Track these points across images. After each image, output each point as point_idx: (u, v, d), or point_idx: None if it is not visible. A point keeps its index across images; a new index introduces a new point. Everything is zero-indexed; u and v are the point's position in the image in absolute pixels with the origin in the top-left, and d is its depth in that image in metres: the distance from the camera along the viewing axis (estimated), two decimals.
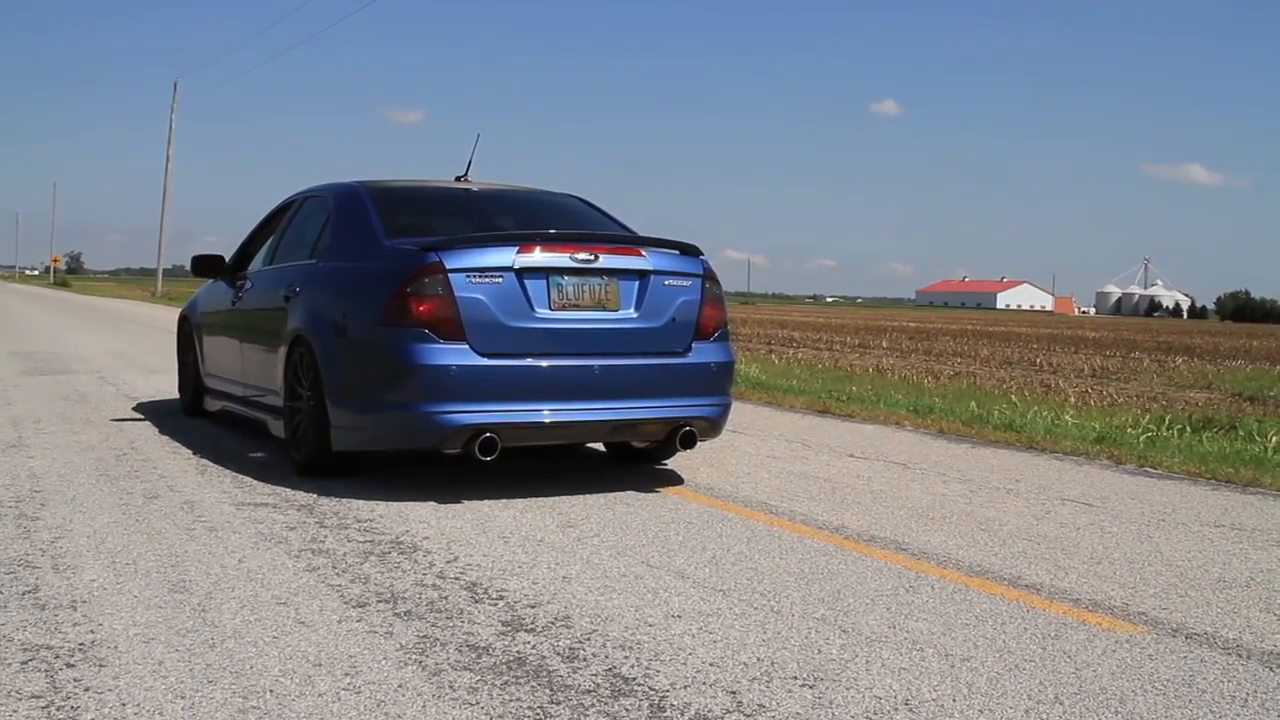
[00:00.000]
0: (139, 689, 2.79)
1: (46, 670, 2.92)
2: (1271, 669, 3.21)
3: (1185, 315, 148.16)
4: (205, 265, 7.90)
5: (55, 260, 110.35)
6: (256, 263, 7.41)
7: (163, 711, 2.66)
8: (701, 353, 5.61)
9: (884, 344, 25.22)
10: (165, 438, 7.09)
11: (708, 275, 5.75)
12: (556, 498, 5.36)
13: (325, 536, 4.48)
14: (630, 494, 5.52)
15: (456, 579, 3.90)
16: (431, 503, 5.17)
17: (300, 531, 4.55)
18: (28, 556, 4.06)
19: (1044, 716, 2.79)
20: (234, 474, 5.84)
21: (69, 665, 2.96)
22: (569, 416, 5.24)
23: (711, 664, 3.09)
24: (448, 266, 5.07)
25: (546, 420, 5.19)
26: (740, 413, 9.29)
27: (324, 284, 5.83)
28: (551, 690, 2.86)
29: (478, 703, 2.77)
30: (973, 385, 13.36)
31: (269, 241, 7.31)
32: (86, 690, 2.79)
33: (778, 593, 3.82)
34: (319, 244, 6.21)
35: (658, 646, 3.22)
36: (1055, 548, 4.63)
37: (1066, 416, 9.34)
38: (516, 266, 5.16)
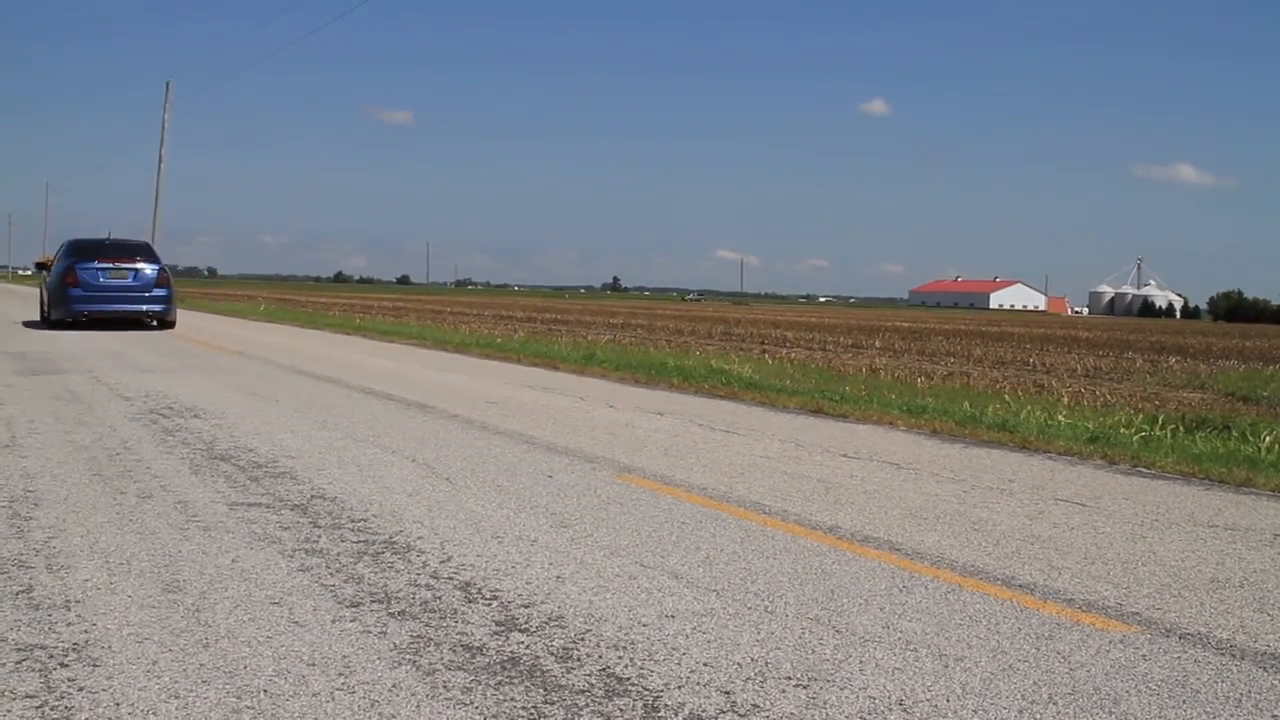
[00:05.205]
0: (133, 689, 2.79)
1: (41, 670, 2.92)
2: (1265, 669, 3.22)
3: (1178, 315, 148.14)
4: (41, 265, 24.66)
5: (47, 260, 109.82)
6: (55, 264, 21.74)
7: (156, 711, 2.66)
8: (156, 292, 20.28)
9: (877, 344, 25.26)
10: (159, 437, 7.07)
11: (163, 266, 20.76)
12: (550, 498, 5.37)
13: (319, 536, 4.48)
14: (624, 494, 5.52)
15: (450, 579, 3.90)
16: (425, 503, 5.18)
17: (294, 531, 4.55)
18: (21, 556, 4.06)
19: (1038, 717, 2.80)
20: (227, 474, 5.83)
21: (63, 665, 2.96)
22: (112, 310, 19.81)
23: (705, 664, 3.09)
24: (76, 267, 19.69)
25: (105, 310, 19.74)
26: (734, 413, 9.31)
27: (52, 273, 20.89)
28: (545, 690, 2.87)
29: (471, 703, 2.77)
30: (966, 385, 13.39)
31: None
32: (80, 690, 2.78)
33: (771, 593, 3.82)
34: (56, 256, 21.64)
35: (651, 646, 3.22)
36: (1049, 548, 4.64)
37: (1060, 416, 9.35)
38: (96, 266, 19.80)
